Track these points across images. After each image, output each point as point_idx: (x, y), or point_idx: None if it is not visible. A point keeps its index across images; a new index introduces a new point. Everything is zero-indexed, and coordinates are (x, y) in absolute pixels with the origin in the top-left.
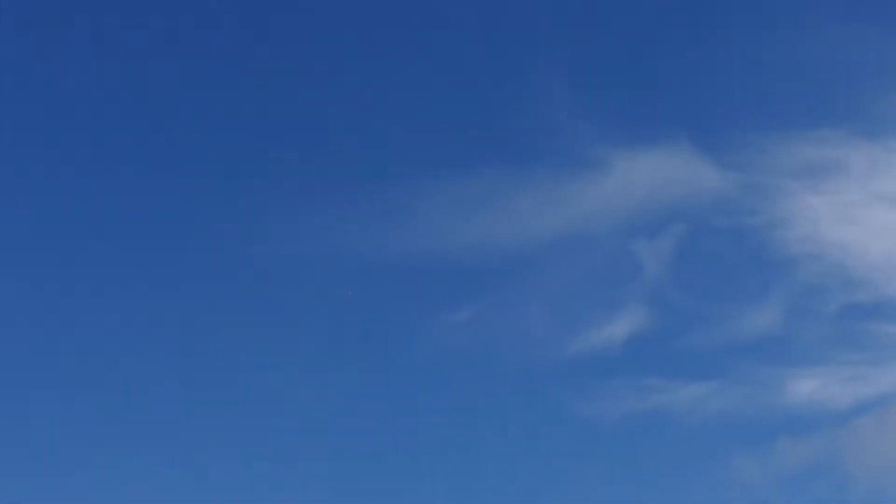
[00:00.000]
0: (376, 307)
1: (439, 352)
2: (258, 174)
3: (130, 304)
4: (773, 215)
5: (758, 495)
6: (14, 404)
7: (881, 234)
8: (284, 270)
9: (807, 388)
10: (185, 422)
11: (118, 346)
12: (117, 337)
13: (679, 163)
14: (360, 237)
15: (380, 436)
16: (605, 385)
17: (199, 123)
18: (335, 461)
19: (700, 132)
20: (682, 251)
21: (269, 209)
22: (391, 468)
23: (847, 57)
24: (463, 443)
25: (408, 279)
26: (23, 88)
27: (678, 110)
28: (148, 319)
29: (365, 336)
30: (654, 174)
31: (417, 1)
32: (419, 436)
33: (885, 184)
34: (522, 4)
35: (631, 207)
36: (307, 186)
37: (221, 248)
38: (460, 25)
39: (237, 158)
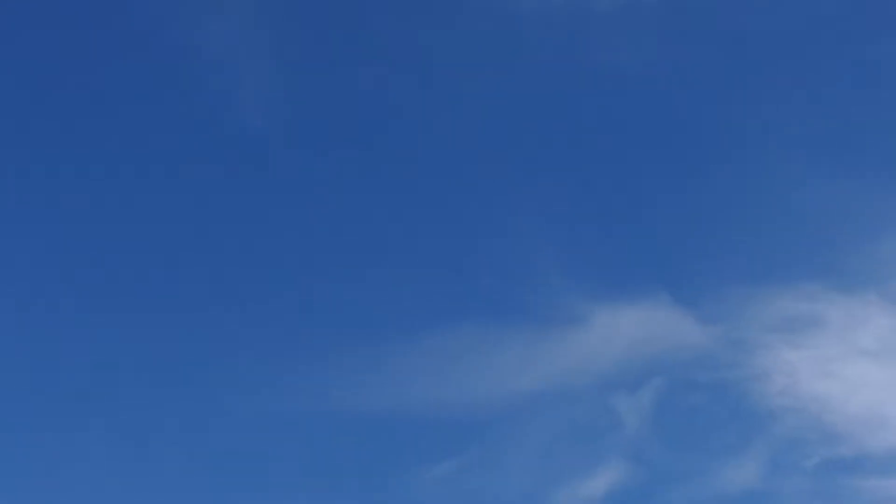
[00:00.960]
0: (356, 461)
1: None
2: (239, 328)
3: (114, 456)
4: (752, 369)
5: None
6: None
7: (860, 389)
8: (262, 424)
9: None
10: None
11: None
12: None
13: (659, 317)
14: (338, 391)
15: None
16: None
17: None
18: None
19: (680, 286)
20: (661, 406)
21: (246, 363)
22: None
23: (823, 211)
24: None
25: (387, 433)
26: None
27: (658, 264)
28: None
29: (344, 490)
30: (634, 329)
31: (387, 155)
32: None
33: (863, 338)
34: (498, 161)
35: (611, 362)
36: (286, 341)
37: (200, 400)
38: (436, 179)
39: (222, 314)
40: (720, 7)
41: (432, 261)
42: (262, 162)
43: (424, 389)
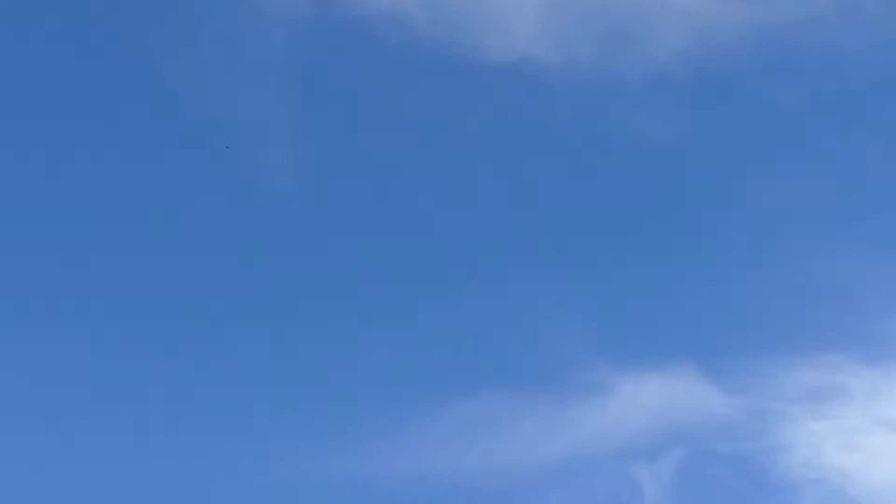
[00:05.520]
0: None
1: None
2: (260, 391)
3: None
4: (774, 440)
5: None
6: None
7: (882, 460)
8: (283, 495)
9: None
10: None
11: None
12: None
13: (682, 386)
14: (360, 460)
15: None
16: None
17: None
18: None
19: (704, 356)
20: (682, 476)
21: (267, 428)
22: None
23: (847, 282)
24: None
25: (408, 499)
26: None
27: (682, 334)
28: None
29: None
30: (657, 398)
31: (413, 222)
32: None
33: (886, 409)
34: (523, 229)
35: (633, 431)
36: (307, 409)
37: (215, 473)
38: (461, 247)
39: (243, 376)
40: (748, 78)
41: (455, 328)
42: (291, 226)
43: (447, 456)
